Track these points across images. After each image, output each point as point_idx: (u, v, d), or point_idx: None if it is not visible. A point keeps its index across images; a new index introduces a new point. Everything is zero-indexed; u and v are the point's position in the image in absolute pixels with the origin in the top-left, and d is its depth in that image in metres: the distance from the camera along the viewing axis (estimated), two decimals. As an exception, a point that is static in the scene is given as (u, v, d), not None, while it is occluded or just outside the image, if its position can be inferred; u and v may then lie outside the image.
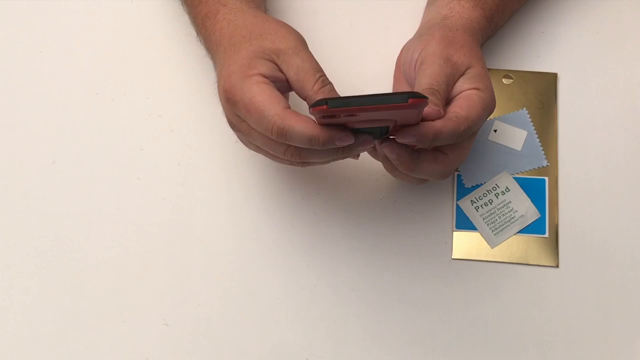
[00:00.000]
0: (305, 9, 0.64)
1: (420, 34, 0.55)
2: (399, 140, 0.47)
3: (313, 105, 0.43)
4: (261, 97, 0.46)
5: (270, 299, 0.57)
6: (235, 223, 0.59)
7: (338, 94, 0.48)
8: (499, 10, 0.57)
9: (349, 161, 0.60)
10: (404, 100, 0.42)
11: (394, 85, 0.58)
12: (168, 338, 0.56)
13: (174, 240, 0.58)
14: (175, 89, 0.63)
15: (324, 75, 0.48)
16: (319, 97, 0.46)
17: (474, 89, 0.50)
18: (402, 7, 0.64)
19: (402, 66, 0.55)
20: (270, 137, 0.47)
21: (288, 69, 0.48)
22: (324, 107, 0.42)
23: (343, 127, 0.46)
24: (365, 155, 0.60)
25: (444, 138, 0.47)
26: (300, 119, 0.45)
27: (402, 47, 0.57)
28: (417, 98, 0.42)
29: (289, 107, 0.47)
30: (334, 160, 0.49)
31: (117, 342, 0.56)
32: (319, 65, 0.49)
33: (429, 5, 0.60)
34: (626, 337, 0.55)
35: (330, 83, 0.48)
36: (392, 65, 0.59)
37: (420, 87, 0.49)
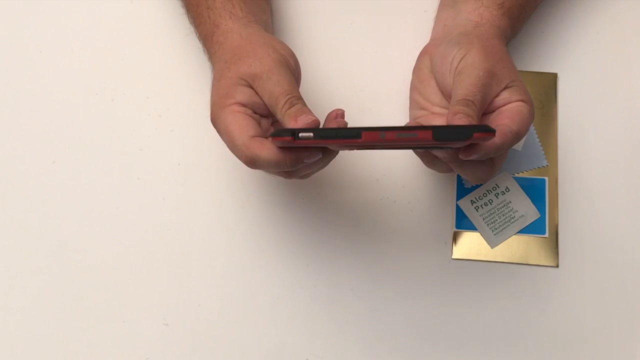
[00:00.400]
0: (305, 9, 0.64)
1: (456, 42, 0.53)
2: (462, 158, 0.47)
3: (272, 135, 0.45)
4: (233, 126, 0.48)
5: (270, 299, 0.57)
6: (235, 223, 0.59)
7: (309, 112, 0.48)
8: (520, 19, 0.57)
9: (349, 161, 0.60)
10: (467, 135, 0.42)
11: (412, 96, 0.57)
12: (168, 338, 0.56)
13: (173, 240, 0.59)
14: (175, 89, 0.63)
15: (293, 95, 0.48)
16: (287, 119, 0.47)
17: (521, 101, 0.50)
18: (403, 7, 0.64)
19: (436, 74, 0.54)
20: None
21: (262, 93, 0.49)
22: (288, 138, 0.43)
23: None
24: (365, 155, 0.60)
25: (501, 151, 0.48)
26: (264, 146, 0.47)
27: (419, 51, 0.56)
28: (484, 132, 0.42)
29: (258, 135, 0.48)
30: (324, 165, 0.50)
31: (117, 342, 0.56)
32: (291, 87, 0.49)
33: (447, 7, 0.58)
34: (626, 337, 0.55)
35: (299, 102, 0.48)
36: (392, 65, 0.59)
37: (457, 97, 0.49)
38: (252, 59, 0.50)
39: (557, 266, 0.57)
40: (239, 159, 0.49)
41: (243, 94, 0.49)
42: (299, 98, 0.49)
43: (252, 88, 0.50)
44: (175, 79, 0.63)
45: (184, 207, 0.59)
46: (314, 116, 0.47)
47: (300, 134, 0.42)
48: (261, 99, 0.50)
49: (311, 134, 0.42)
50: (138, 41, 0.64)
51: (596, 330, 0.56)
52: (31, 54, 0.64)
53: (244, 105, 0.49)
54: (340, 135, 0.42)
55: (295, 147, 0.46)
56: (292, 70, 0.51)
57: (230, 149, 0.49)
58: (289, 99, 0.48)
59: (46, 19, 0.65)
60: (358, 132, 0.42)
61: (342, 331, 0.56)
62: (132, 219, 0.59)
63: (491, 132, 0.42)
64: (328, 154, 0.48)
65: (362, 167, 0.60)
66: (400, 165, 0.60)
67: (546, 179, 0.59)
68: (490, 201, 0.58)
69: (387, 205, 0.59)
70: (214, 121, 0.50)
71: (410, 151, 0.58)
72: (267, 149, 0.47)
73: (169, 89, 0.63)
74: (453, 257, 0.57)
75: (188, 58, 0.63)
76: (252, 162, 0.48)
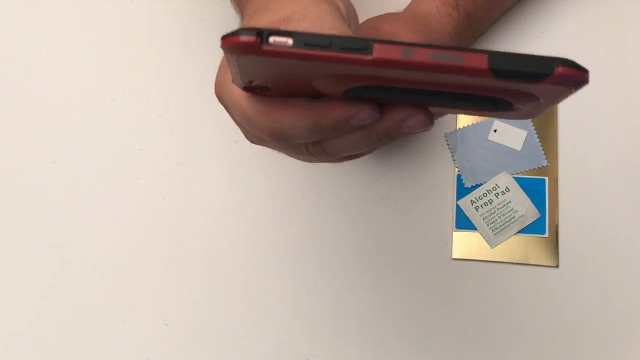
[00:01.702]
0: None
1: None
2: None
3: (224, 36, 0.27)
4: (241, 93, 0.35)
5: (270, 299, 0.57)
6: (235, 223, 0.59)
7: None
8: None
9: (348, 161, 0.60)
10: (547, 70, 0.27)
11: None
12: (168, 338, 0.56)
13: (173, 240, 0.58)
14: (175, 89, 0.63)
15: (343, 32, 0.34)
16: None
17: None
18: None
19: None
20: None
21: None
22: (251, 39, 0.27)
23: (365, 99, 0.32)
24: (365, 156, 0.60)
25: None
26: (288, 106, 0.33)
27: None
28: (571, 68, 0.27)
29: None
30: (372, 145, 0.35)
31: (117, 342, 0.56)
32: (339, 23, 0.35)
33: None
34: (626, 337, 0.55)
35: None
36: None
37: None
38: (282, 3, 0.36)
39: (557, 266, 0.57)
40: (259, 136, 0.36)
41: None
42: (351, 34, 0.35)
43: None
44: (175, 79, 0.63)
45: (184, 207, 0.59)
46: None
47: (271, 38, 0.27)
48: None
49: (289, 40, 0.27)
50: (138, 41, 0.64)
51: (596, 330, 0.56)
52: (31, 54, 0.64)
53: None
54: (338, 46, 0.27)
55: (290, 100, 0.32)
56: (341, 13, 0.37)
57: (245, 127, 0.36)
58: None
59: (46, 19, 0.65)
60: (368, 42, 0.27)
61: (342, 331, 0.56)
62: (132, 219, 0.59)
63: (583, 71, 0.28)
64: (388, 117, 0.32)
65: (362, 167, 0.59)
66: (400, 165, 0.60)
67: (546, 178, 0.59)
68: (490, 201, 0.58)
69: (387, 205, 0.59)
70: (219, 94, 0.38)
71: (410, 151, 0.58)
72: (293, 109, 0.33)
73: (169, 89, 0.63)
74: (453, 257, 0.57)
75: (188, 58, 0.63)
76: (276, 134, 0.34)
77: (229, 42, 0.27)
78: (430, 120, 0.32)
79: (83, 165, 0.61)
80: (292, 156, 0.39)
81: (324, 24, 0.34)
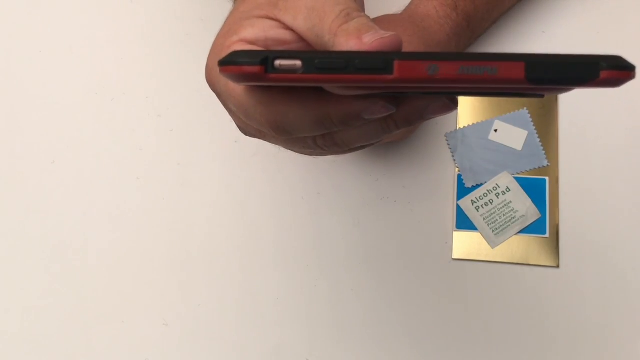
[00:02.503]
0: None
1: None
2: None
3: (221, 63, 0.25)
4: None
5: (270, 299, 0.57)
6: (235, 223, 0.59)
7: (380, 30, 0.29)
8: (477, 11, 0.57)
9: (348, 161, 0.60)
10: (592, 74, 0.24)
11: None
12: (168, 338, 0.56)
13: (173, 240, 0.58)
14: (175, 89, 0.63)
15: (350, 7, 0.30)
16: (341, 40, 0.28)
17: None
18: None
19: None
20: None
21: (295, 15, 0.31)
22: (255, 68, 0.24)
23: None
24: (365, 155, 0.60)
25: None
26: (290, 97, 0.30)
27: None
28: (619, 69, 0.24)
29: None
30: (389, 133, 0.32)
31: (117, 342, 0.56)
32: None
33: None
34: (627, 337, 0.55)
35: (363, 15, 0.30)
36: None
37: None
38: None
39: (558, 266, 0.57)
40: (257, 129, 0.33)
41: (253, 28, 0.32)
42: (361, 10, 0.31)
43: (273, 19, 0.32)
44: (175, 79, 0.63)
45: (184, 207, 0.59)
46: (393, 34, 0.28)
47: (277, 62, 0.24)
48: (290, 28, 0.32)
49: (298, 62, 0.24)
50: (138, 41, 0.64)
51: (596, 330, 0.55)
52: (31, 54, 0.64)
53: (251, 43, 0.32)
54: (354, 68, 0.24)
55: (295, 90, 0.29)
56: None
57: (242, 117, 0.33)
58: (343, 10, 0.30)
59: (46, 19, 0.65)
60: (388, 60, 0.24)
61: (342, 331, 0.56)
62: (132, 219, 0.59)
63: (629, 69, 0.24)
64: (408, 104, 0.30)
65: (362, 167, 0.59)
66: (400, 165, 0.59)
67: (547, 179, 0.59)
68: (491, 201, 0.58)
69: (387, 205, 0.59)
70: (211, 80, 0.34)
71: (411, 151, 0.58)
72: (298, 101, 0.30)
73: (169, 89, 0.63)
74: (453, 257, 0.57)
75: (188, 58, 0.63)
76: (279, 127, 0.31)
77: (230, 71, 0.25)
78: (454, 102, 0.30)
79: (83, 165, 0.61)
80: (294, 150, 0.36)
81: None
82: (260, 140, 0.37)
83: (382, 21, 0.52)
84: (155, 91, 0.63)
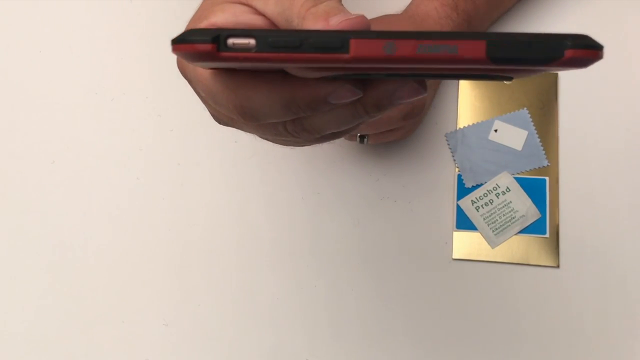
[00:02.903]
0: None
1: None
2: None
3: (174, 41, 0.25)
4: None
5: (270, 299, 0.57)
6: (234, 223, 0.59)
7: (348, 12, 0.28)
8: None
9: (348, 161, 0.60)
10: (556, 54, 0.23)
11: None
12: (168, 338, 0.56)
13: (173, 240, 0.58)
14: (175, 89, 0.62)
15: None
16: (310, 22, 0.28)
17: None
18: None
19: None
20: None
21: (266, 1, 0.31)
22: (207, 46, 0.24)
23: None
24: (365, 155, 0.60)
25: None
26: (256, 81, 0.29)
27: None
28: (582, 48, 0.23)
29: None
30: (359, 120, 0.31)
31: (117, 342, 0.56)
32: None
33: None
34: (627, 337, 0.55)
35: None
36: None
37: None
38: None
39: (558, 266, 0.57)
40: (228, 116, 0.33)
41: (223, 13, 0.32)
42: None
43: (245, 4, 0.33)
44: (175, 79, 0.63)
45: (184, 207, 0.59)
46: (359, 15, 0.28)
47: (230, 40, 0.24)
48: (261, 13, 0.32)
49: (251, 41, 0.24)
50: (138, 41, 0.64)
51: (596, 330, 0.55)
52: (31, 54, 0.64)
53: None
54: (309, 46, 0.24)
55: (261, 74, 0.29)
56: None
57: (211, 104, 0.34)
58: None
59: (46, 19, 0.65)
60: (344, 39, 0.24)
61: (342, 331, 0.56)
62: (132, 219, 0.59)
63: (596, 49, 0.23)
64: (376, 88, 0.29)
65: (362, 167, 0.59)
66: (400, 165, 0.59)
67: (547, 179, 0.59)
68: (491, 201, 0.58)
69: (387, 205, 0.59)
70: (182, 67, 0.35)
71: (411, 151, 0.58)
72: (263, 85, 0.30)
73: (168, 89, 0.63)
74: (453, 257, 0.57)
75: (188, 58, 0.63)
76: (246, 112, 0.31)
77: (182, 49, 0.24)
78: (423, 87, 0.30)
79: (83, 165, 0.61)
80: (267, 138, 0.36)
81: None
82: (259, 140, 0.37)
83: (382, 21, 0.52)
84: (155, 91, 0.63)
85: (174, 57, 0.66)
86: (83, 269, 0.58)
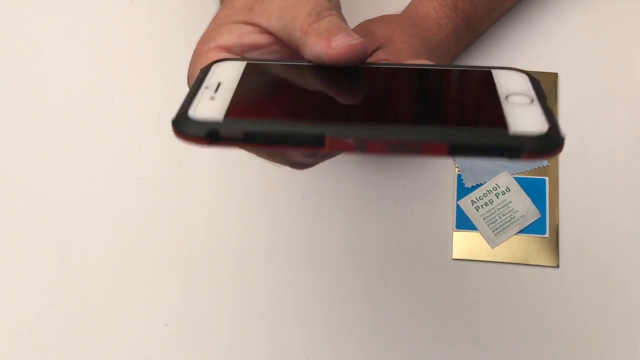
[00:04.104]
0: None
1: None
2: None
3: (174, 122, 0.30)
4: None
5: (271, 299, 0.57)
6: (235, 223, 0.59)
7: (351, 31, 0.30)
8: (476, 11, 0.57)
9: (348, 161, 0.60)
10: (514, 154, 0.25)
11: None
12: (168, 338, 0.56)
13: (173, 240, 0.58)
14: (175, 89, 0.62)
15: (323, 6, 0.31)
16: (312, 40, 0.29)
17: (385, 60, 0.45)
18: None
19: None
20: None
21: (269, 16, 0.32)
22: (199, 140, 0.28)
23: None
24: (365, 155, 0.60)
25: None
26: None
27: None
28: (539, 152, 0.25)
29: None
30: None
31: (117, 342, 0.56)
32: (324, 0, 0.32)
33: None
34: (627, 337, 0.55)
35: (335, 15, 0.31)
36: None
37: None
38: None
39: (558, 266, 0.57)
40: None
41: (230, 34, 0.34)
42: (333, 9, 0.31)
43: (250, 23, 0.34)
44: (175, 79, 0.63)
45: (184, 207, 0.59)
46: (360, 38, 0.29)
47: (222, 133, 0.28)
48: (266, 31, 0.33)
49: (239, 135, 0.27)
50: (138, 41, 0.64)
51: (596, 330, 0.55)
52: (31, 54, 0.64)
53: (227, 49, 0.34)
54: (292, 141, 0.27)
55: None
56: None
57: None
58: (314, 8, 0.31)
59: (46, 19, 0.65)
60: (320, 137, 0.27)
61: (342, 331, 0.56)
62: (132, 219, 0.59)
63: (555, 147, 0.25)
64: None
65: (362, 167, 0.59)
66: (400, 165, 0.59)
67: (547, 179, 0.59)
68: (491, 201, 0.58)
69: (387, 205, 0.59)
70: (189, 81, 0.37)
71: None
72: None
73: (169, 89, 0.63)
74: (453, 257, 0.57)
75: (188, 58, 0.63)
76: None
77: (180, 135, 0.29)
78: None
79: (83, 165, 0.61)
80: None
81: None
82: None
83: (382, 21, 0.52)
84: (155, 91, 0.63)
85: (173, 57, 0.66)
86: (83, 268, 0.58)
